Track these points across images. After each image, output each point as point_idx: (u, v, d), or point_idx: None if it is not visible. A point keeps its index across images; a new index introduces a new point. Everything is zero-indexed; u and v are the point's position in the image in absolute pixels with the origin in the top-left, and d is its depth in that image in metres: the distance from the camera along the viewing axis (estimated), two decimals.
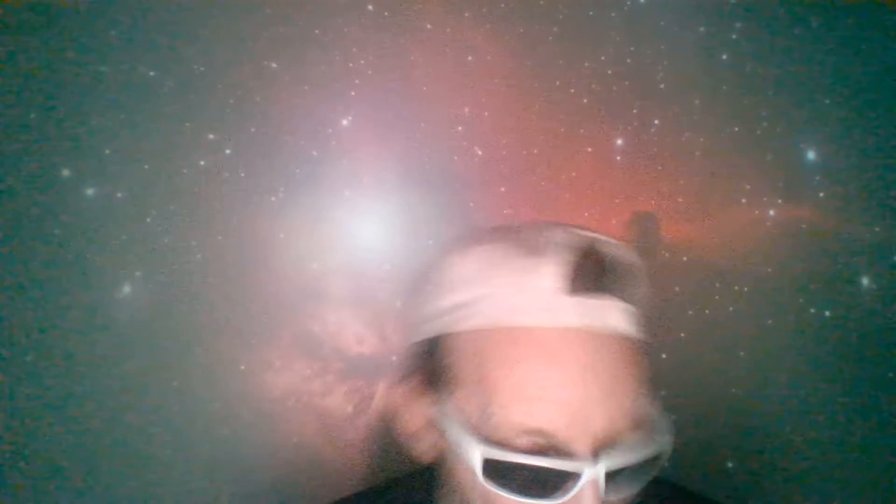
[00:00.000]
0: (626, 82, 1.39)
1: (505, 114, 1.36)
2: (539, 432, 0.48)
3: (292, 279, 1.28)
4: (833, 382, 1.36)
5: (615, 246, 0.53)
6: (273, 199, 1.27)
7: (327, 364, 1.32)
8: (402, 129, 1.32)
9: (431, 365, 0.56)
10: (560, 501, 0.48)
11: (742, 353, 1.38)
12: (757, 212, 1.41)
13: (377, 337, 1.34)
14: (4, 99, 1.12)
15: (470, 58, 1.34)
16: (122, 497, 1.16)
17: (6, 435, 1.11)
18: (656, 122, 1.40)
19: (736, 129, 1.40)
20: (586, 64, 1.38)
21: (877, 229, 1.37)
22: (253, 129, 1.25)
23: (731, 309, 1.39)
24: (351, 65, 1.30)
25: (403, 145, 1.32)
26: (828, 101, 1.38)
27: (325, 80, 1.29)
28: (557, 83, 1.38)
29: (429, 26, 1.33)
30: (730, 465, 1.36)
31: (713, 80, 1.39)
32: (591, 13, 1.37)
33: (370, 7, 1.30)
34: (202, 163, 1.23)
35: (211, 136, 1.24)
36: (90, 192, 1.17)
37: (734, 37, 1.39)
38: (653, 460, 0.51)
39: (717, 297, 1.40)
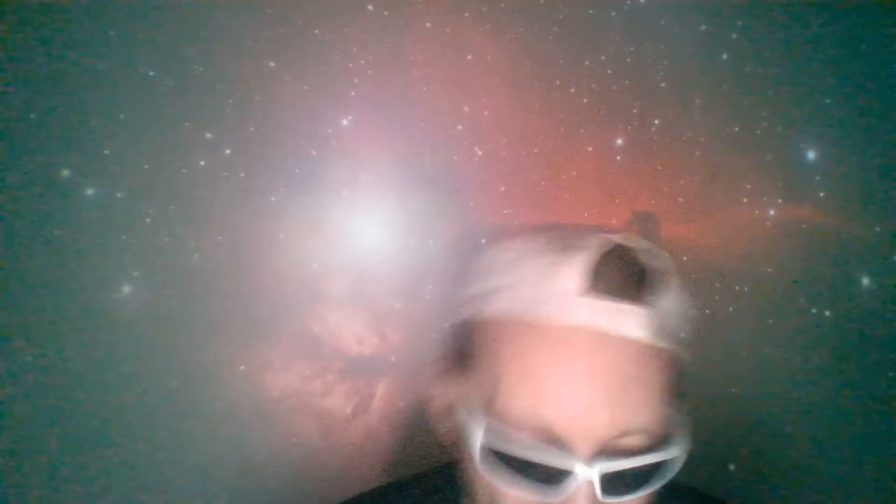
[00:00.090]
0: (626, 82, 1.39)
1: (505, 114, 1.36)
2: (539, 426, 0.49)
3: (292, 279, 1.28)
4: (833, 382, 1.36)
5: (650, 254, 0.53)
6: (273, 199, 1.27)
7: (327, 364, 1.32)
8: (401, 128, 1.32)
9: (457, 347, 0.58)
10: (555, 499, 0.48)
11: (742, 354, 1.38)
12: (757, 212, 1.41)
13: (377, 337, 1.34)
14: (4, 99, 1.12)
15: (470, 57, 1.34)
16: (121, 497, 1.16)
17: (5, 435, 1.11)
18: (656, 121, 1.40)
19: (736, 129, 1.40)
20: (586, 63, 1.38)
21: (877, 229, 1.37)
22: (252, 129, 1.25)
23: (730, 309, 1.39)
24: (351, 64, 1.30)
25: (403, 145, 1.32)
26: (828, 101, 1.38)
27: (324, 80, 1.29)
28: (557, 83, 1.37)
29: (428, 25, 1.32)
30: (730, 465, 1.36)
31: (713, 80, 1.39)
32: (591, 13, 1.37)
33: (370, 7, 1.30)
34: (202, 163, 1.23)
35: (210, 136, 1.24)
36: (90, 192, 1.17)
37: (734, 37, 1.38)
38: (659, 468, 0.50)
39: (717, 297, 1.39)
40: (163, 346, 1.20)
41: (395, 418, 1.32)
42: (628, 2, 1.38)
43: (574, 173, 1.39)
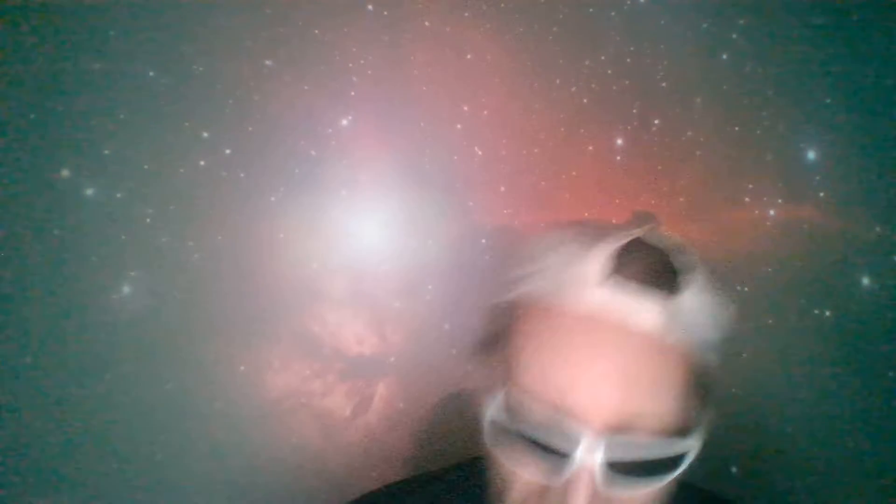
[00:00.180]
0: (626, 82, 1.39)
1: (505, 114, 1.36)
2: (551, 396, 0.50)
3: (292, 279, 1.28)
4: (833, 382, 1.36)
5: (677, 250, 0.55)
6: (272, 198, 1.27)
7: (327, 364, 1.32)
8: (401, 128, 1.32)
9: (493, 327, 0.61)
10: (559, 481, 0.49)
11: (742, 354, 1.38)
12: (757, 211, 1.41)
13: (377, 337, 1.34)
14: (4, 99, 1.12)
15: (470, 57, 1.34)
16: (121, 497, 1.16)
17: (3, 435, 1.11)
18: (656, 121, 1.40)
19: (736, 128, 1.40)
20: (586, 63, 1.38)
21: (877, 229, 1.36)
22: (252, 129, 1.25)
23: (730, 309, 1.39)
24: (350, 64, 1.30)
25: (403, 145, 1.32)
26: (828, 101, 1.38)
27: (324, 80, 1.29)
28: (557, 83, 1.37)
29: (428, 25, 1.32)
30: (731, 465, 1.36)
31: (713, 80, 1.39)
32: (591, 13, 1.37)
33: (370, 7, 1.30)
34: (201, 163, 1.23)
35: (210, 136, 1.23)
36: (89, 192, 1.17)
37: (734, 37, 1.38)
38: (666, 462, 0.50)
39: (716, 297, 1.39)
40: (163, 346, 1.20)
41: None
42: (628, 2, 1.38)
43: (574, 173, 1.39)
